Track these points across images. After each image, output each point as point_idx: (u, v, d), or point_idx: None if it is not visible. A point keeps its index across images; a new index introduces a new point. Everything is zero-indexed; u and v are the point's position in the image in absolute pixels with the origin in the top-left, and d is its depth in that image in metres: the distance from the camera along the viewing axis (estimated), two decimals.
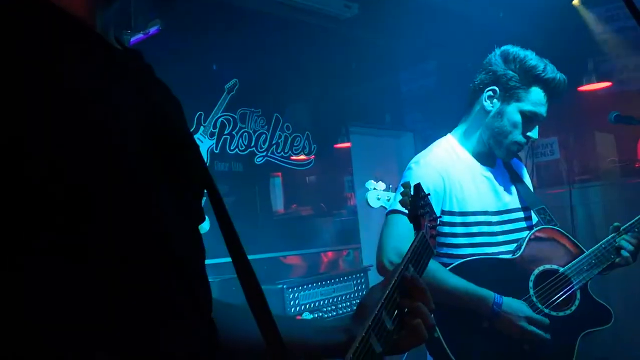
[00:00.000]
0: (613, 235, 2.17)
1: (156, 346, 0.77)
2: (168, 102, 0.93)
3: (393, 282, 1.12)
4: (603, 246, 2.15)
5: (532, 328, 1.96)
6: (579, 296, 2.10)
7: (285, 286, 3.74)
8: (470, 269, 2.02)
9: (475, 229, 2.12)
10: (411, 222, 1.26)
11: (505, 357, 1.99)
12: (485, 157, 2.23)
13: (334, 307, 3.99)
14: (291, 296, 3.75)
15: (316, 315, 3.85)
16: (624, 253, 2.11)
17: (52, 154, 0.68)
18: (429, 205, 1.31)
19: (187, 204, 0.88)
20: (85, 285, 0.70)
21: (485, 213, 2.14)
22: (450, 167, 2.16)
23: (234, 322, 1.08)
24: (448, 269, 2.01)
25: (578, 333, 2.08)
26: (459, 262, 2.05)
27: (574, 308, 2.08)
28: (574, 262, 2.13)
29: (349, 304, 4.08)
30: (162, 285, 0.78)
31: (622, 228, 2.18)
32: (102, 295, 0.71)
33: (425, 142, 5.74)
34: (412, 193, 1.28)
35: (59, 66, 0.71)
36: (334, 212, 5.04)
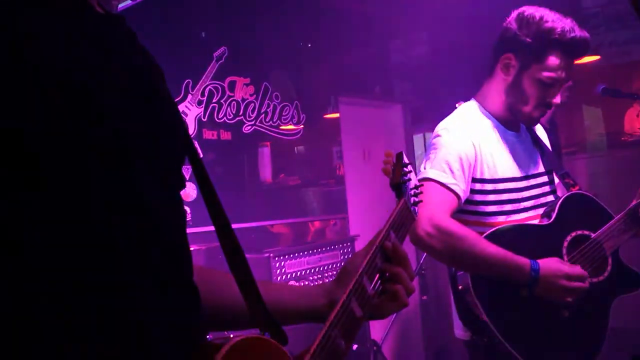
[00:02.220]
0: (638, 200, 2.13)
1: (137, 312, 0.77)
2: (148, 67, 0.93)
3: (374, 248, 1.14)
4: (632, 210, 2.11)
5: (574, 283, 1.93)
6: (610, 262, 2.08)
7: (271, 254, 3.77)
8: (504, 237, 1.99)
9: (504, 196, 2.09)
10: (393, 190, 1.28)
11: (543, 325, 1.97)
12: (509, 122, 2.18)
13: (320, 276, 4.04)
14: (277, 264, 3.78)
15: (302, 284, 3.90)
16: None
17: (23, 119, 0.68)
18: (411, 172, 1.32)
19: (167, 170, 0.88)
20: (61, 250, 0.71)
21: (513, 179, 2.11)
22: (479, 132, 2.11)
23: (217, 287, 1.10)
24: (483, 237, 1.97)
25: (611, 298, 2.07)
26: (490, 229, 2.02)
27: (606, 274, 2.06)
28: (604, 227, 2.09)
29: (335, 272, 4.12)
30: (142, 251, 0.79)
31: None
32: (79, 260, 0.72)
33: (414, 113, 5.77)
34: (395, 161, 1.29)
35: (26, 27, 0.70)
36: (321, 181, 5.06)
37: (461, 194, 2.01)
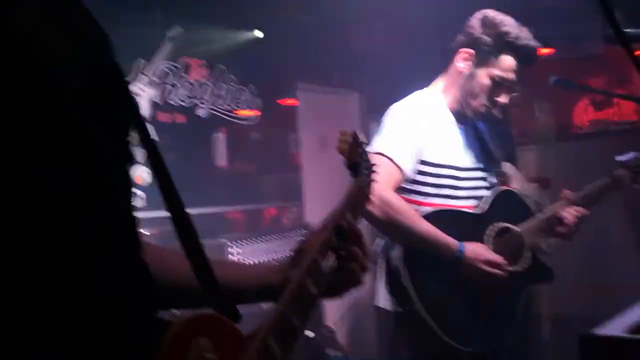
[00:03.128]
0: (560, 202, 2.35)
1: (84, 286, 0.75)
2: (99, 42, 0.90)
3: (330, 226, 1.13)
4: (551, 213, 2.32)
5: (493, 269, 2.13)
6: (528, 255, 2.28)
7: (226, 240, 3.75)
8: (438, 218, 2.16)
9: (443, 181, 2.26)
10: (348, 169, 1.27)
11: (462, 300, 2.17)
12: (459, 114, 2.34)
13: (276, 263, 4.02)
14: (232, 250, 3.75)
15: None
16: (567, 222, 2.29)
17: None
18: (366, 153, 1.32)
19: (115, 144, 0.86)
20: (6, 220, 0.68)
21: (455, 168, 2.28)
22: (430, 118, 2.27)
23: (168, 266, 1.08)
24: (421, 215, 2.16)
25: (524, 287, 2.31)
26: (426, 209, 2.19)
27: (524, 265, 2.26)
28: (526, 223, 2.31)
29: None
30: (88, 224, 0.77)
31: (570, 199, 2.34)
32: (23, 230, 0.70)
33: (371, 102, 5.78)
34: (350, 140, 1.28)
35: None
36: (278, 169, 5.04)
37: (407, 171, 2.17)
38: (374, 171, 1.37)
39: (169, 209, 0.94)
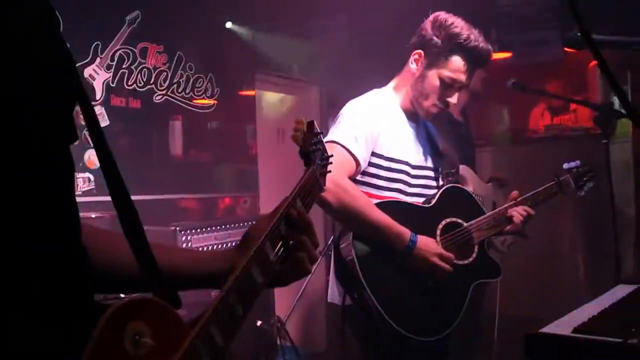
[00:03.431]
0: (510, 203, 2.41)
1: (17, 266, 0.73)
2: (43, 17, 0.86)
3: (279, 214, 1.11)
4: (500, 211, 2.40)
5: (442, 263, 2.16)
6: (476, 250, 2.32)
7: (178, 228, 3.67)
8: (389, 208, 2.18)
9: (395, 175, 2.28)
10: (302, 158, 1.25)
11: (409, 290, 2.19)
12: (410, 113, 2.37)
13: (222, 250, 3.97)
14: (184, 238, 3.68)
15: None
16: (515, 220, 2.36)
17: None
18: (321, 142, 1.30)
19: (56, 121, 0.82)
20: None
21: (407, 163, 2.30)
22: (385, 114, 2.30)
23: (109, 248, 1.05)
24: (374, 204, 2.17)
25: (472, 281, 2.31)
26: (378, 201, 2.20)
27: (471, 259, 2.30)
28: (475, 220, 2.35)
29: None
30: (22, 204, 0.74)
31: (518, 199, 2.42)
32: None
33: (330, 97, 5.78)
34: (305, 129, 1.26)
35: None
36: (234, 159, 4.98)
37: (361, 161, 2.19)
38: (329, 162, 1.34)
39: (111, 192, 0.91)
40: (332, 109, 5.79)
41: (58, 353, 0.73)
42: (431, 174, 2.43)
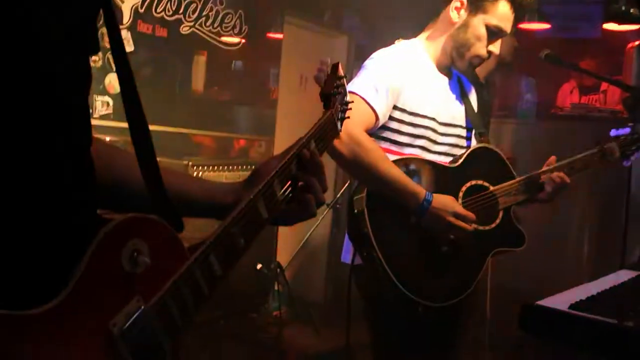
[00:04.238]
0: (544, 170, 2.26)
1: (25, 176, 0.73)
2: None
3: (291, 154, 1.10)
4: (532, 177, 2.24)
5: (459, 222, 2.04)
6: (501, 216, 2.19)
7: (190, 163, 3.69)
8: (410, 166, 2.09)
9: (420, 131, 2.15)
10: (322, 100, 1.23)
11: (421, 253, 2.08)
12: (443, 67, 2.24)
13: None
14: (195, 174, 3.70)
15: None
16: (547, 188, 2.22)
17: None
18: (344, 87, 1.27)
19: (76, 30, 0.81)
20: None
21: (433, 120, 2.17)
22: (412, 67, 2.16)
23: (118, 165, 1.05)
24: (391, 160, 2.06)
25: (492, 248, 2.19)
26: (397, 157, 2.09)
27: (494, 225, 2.18)
28: (503, 184, 2.21)
29: None
30: (33, 112, 0.74)
31: (554, 165, 2.26)
32: None
33: (358, 49, 5.68)
34: (329, 71, 1.23)
35: None
36: (254, 101, 4.95)
37: (380, 115, 2.08)
38: (348, 108, 1.32)
39: (128, 117, 0.91)
40: (359, 61, 5.71)
41: (56, 260, 0.74)
42: (462, 132, 2.29)
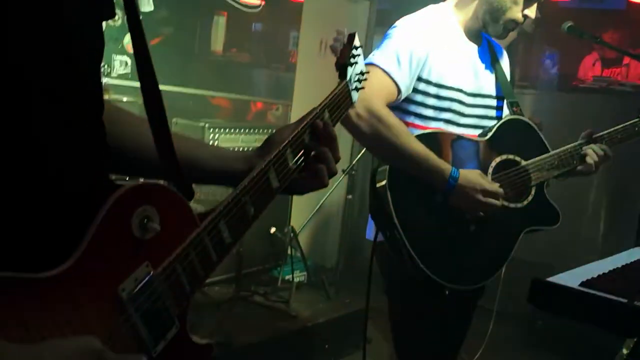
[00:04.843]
0: (581, 142, 2.16)
1: (38, 137, 0.74)
2: None
3: (304, 123, 1.09)
4: (569, 150, 2.13)
5: (487, 199, 1.94)
6: (533, 192, 2.09)
7: (207, 125, 3.69)
8: (435, 141, 1.97)
9: (445, 104, 2.04)
10: (337, 70, 1.21)
11: (447, 233, 1.98)
12: (473, 33, 2.13)
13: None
14: (211, 136, 3.71)
15: None
16: (589, 160, 2.11)
17: None
18: (360, 57, 1.25)
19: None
20: None
21: (460, 90, 2.05)
22: (439, 35, 2.05)
23: (132, 130, 1.05)
24: (414, 135, 1.95)
25: (524, 227, 2.09)
26: (420, 132, 1.98)
27: (525, 202, 2.07)
28: (536, 158, 2.10)
29: None
30: (47, 74, 0.74)
31: (593, 136, 2.16)
32: None
33: (380, 15, 5.60)
34: (345, 41, 1.22)
35: None
36: (272, 64, 4.92)
37: (402, 88, 1.96)
38: (365, 79, 1.30)
39: (140, 79, 0.91)
40: (380, 27, 5.63)
41: (66, 224, 0.74)
42: (492, 102, 2.16)
